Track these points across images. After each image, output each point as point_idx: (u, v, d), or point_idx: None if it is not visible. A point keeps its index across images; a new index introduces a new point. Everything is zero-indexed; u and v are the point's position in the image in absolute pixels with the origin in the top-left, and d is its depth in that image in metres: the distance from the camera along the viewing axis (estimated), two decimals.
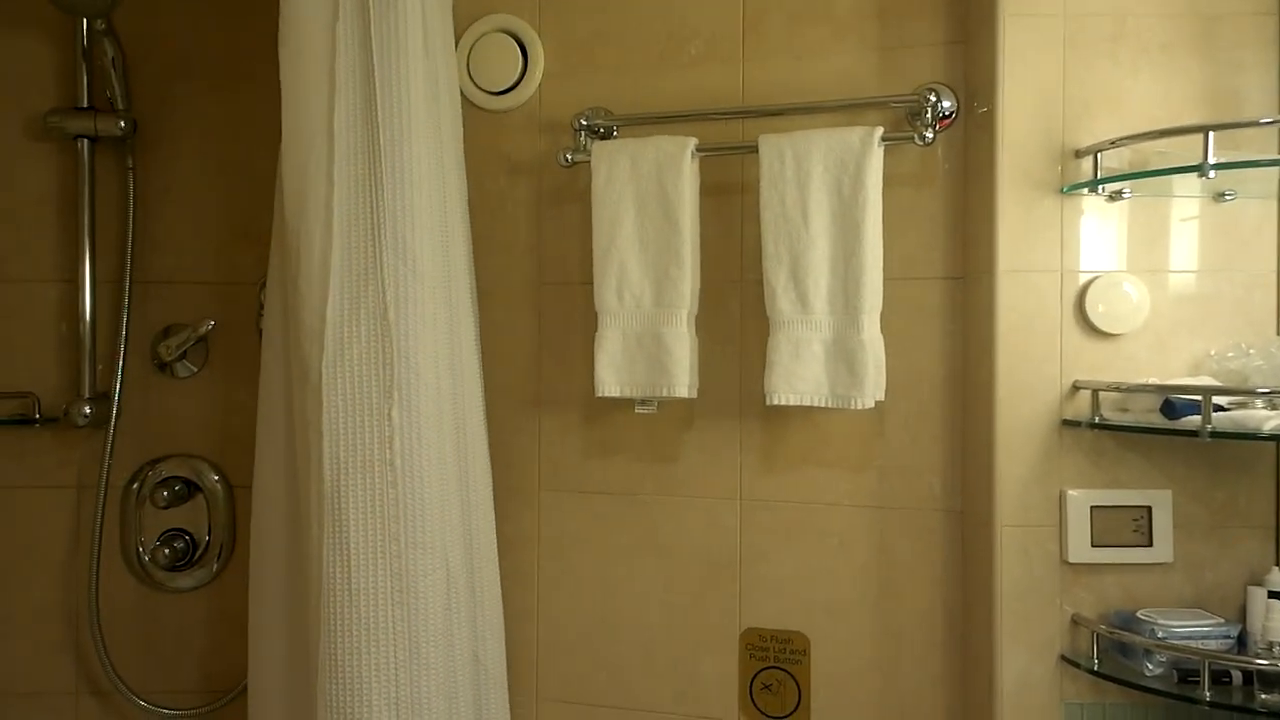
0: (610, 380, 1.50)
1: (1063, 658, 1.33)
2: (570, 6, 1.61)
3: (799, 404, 1.40)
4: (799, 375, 1.39)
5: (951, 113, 1.44)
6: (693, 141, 1.47)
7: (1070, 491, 1.32)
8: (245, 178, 1.72)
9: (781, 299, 1.40)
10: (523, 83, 1.63)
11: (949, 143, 1.45)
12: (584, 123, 1.57)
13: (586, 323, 1.60)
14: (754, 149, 1.44)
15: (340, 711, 1.22)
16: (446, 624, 1.32)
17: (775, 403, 1.40)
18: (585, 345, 1.60)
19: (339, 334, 1.29)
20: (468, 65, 1.63)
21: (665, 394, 1.47)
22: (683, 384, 1.46)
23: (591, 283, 1.53)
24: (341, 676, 1.23)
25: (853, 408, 1.37)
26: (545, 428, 1.64)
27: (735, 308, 1.54)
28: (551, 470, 1.64)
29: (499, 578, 1.52)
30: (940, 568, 1.46)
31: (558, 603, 1.63)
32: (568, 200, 1.63)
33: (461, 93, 1.61)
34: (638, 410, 1.53)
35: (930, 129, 1.39)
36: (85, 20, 1.62)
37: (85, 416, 1.64)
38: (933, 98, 1.41)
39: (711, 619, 1.56)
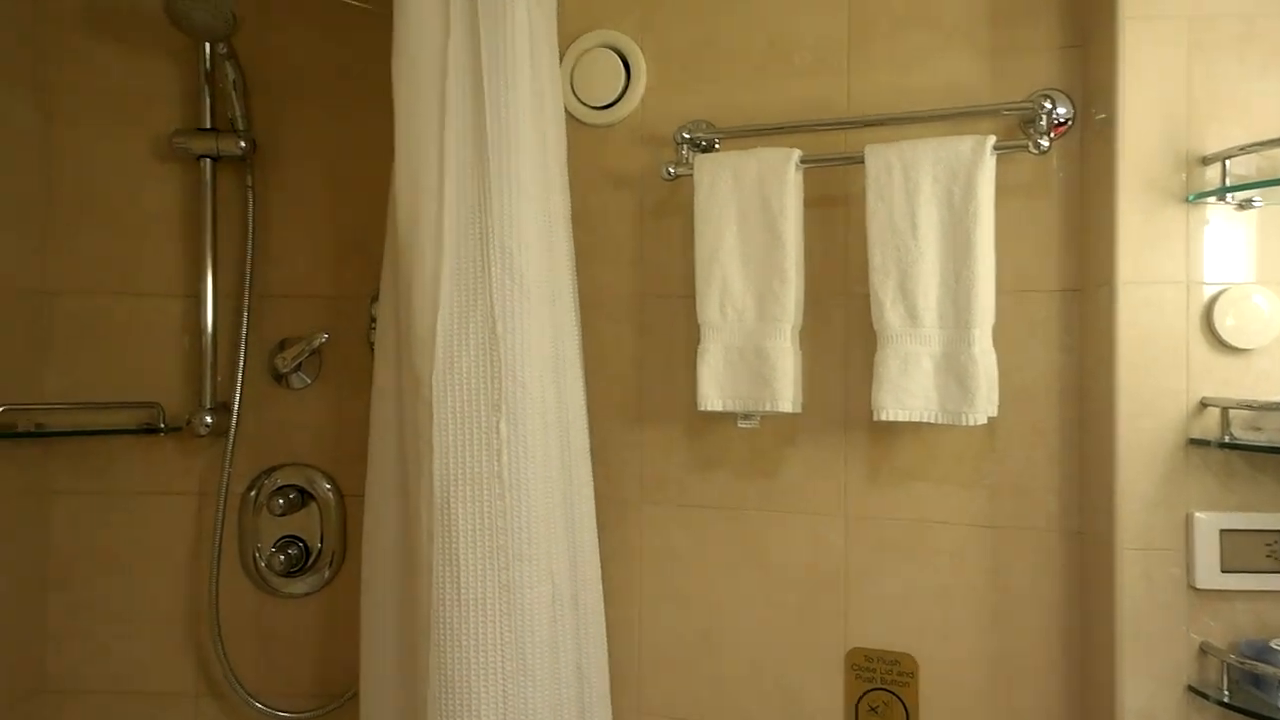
0: (713, 394, 1.50)
1: (1190, 688, 1.26)
2: (673, 21, 1.62)
3: (908, 420, 1.37)
4: (908, 390, 1.36)
5: (1067, 119, 1.40)
6: (796, 153, 1.45)
7: (1198, 514, 1.26)
8: (356, 193, 1.77)
9: (889, 312, 1.38)
10: (625, 97, 1.64)
11: (1064, 150, 1.40)
12: (686, 136, 1.57)
13: (688, 336, 1.60)
14: (860, 160, 1.42)
15: None
16: (552, 636, 1.33)
17: (883, 418, 1.37)
18: (687, 358, 1.59)
19: (449, 347, 1.31)
20: (571, 81, 1.65)
21: (768, 408, 1.45)
22: (786, 398, 1.44)
23: (693, 295, 1.53)
24: (451, 685, 1.25)
25: (964, 424, 1.34)
26: (646, 441, 1.64)
27: (839, 321, 1.52)
28: (653, 483, 1.64)
29: (602, 591, 1.52)
30: (1056, 590, 1.41)
31: (660, 617, 1.62)
32: (669, 213, 1.63)
33: (565, 108, 1.62)
34: (740, 425, 1.52)
35: (1045, 136, 1.34)
36: (208, 44, 1.69)
37: (207, 426, 1.71)
38: (1048, 104, 1.36)
39: (816, 637, 1.53)
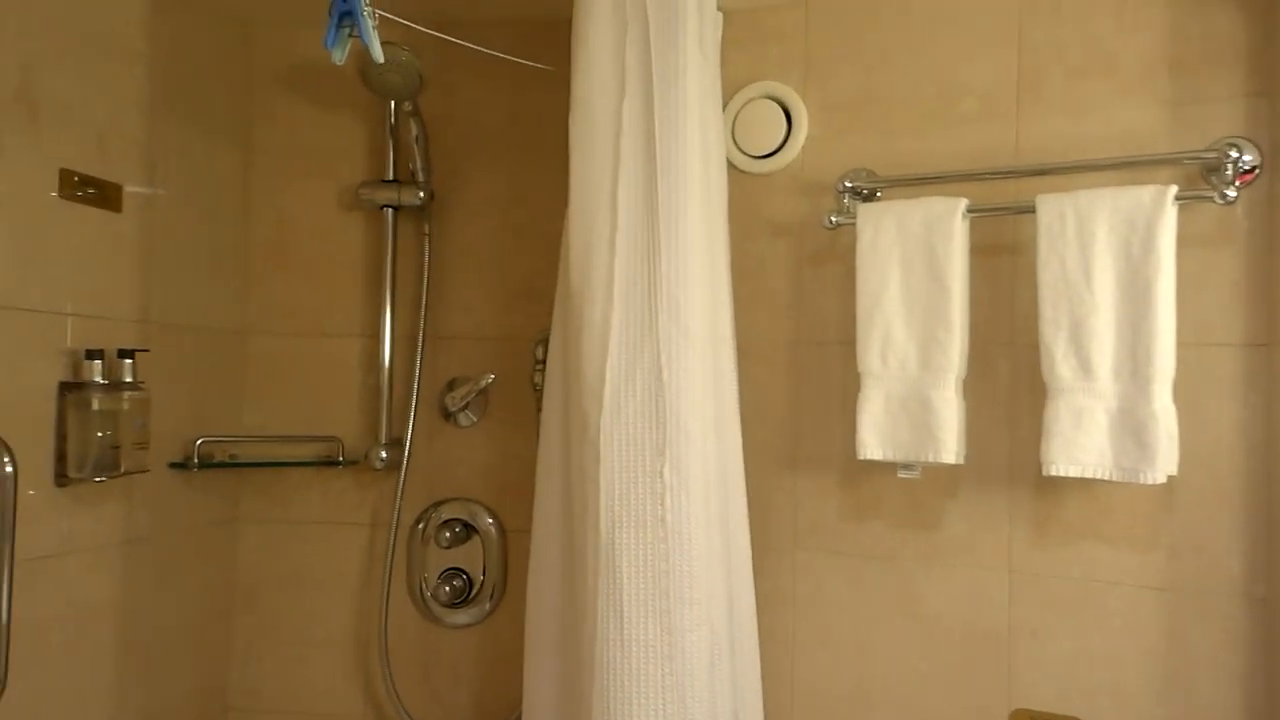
0: (872, 443, 1.49)
1: None
2: (836, 71, 1.63)
3: (1079, 475, 1.33)
4: (1080, 445, 1.33)
5: (1254, 168, 1.34)
6: (964, 202, 1.44)
7: None
8: (525, 242, 1.85)
9: (1061, 365, 1.35)
10: (786, 146, 1.67)
11: (1250, 200, 1.35)
12: (848, 185, 1.58)
13: (845, 383, 1.60)
14: (1029, 209, 1.40)
15: None
16: (710, 681, 1.34)
17: (1053, 473, 1.34)
18: (843, 406, 1.59)
19: (617, 392, 1.35)
20: (733, 130, 1.69)
21: (931, 459, 1.44)
22: (950, 450, 1.43)
23: (850, 343, 1.53)
24: None
25: (1142, 482, 1.29)
26: (800, 487, 1.65)
27: (1005, 372, 1.49)
28: (807, 530, 1.64)
29: (757, 637, 1.53)
30: (1239, 660, 1.34)
31: (813, 665, 1.61)
32: (828, 261, 1.64)
33: (726, 157, 1.66)
34: (900, 475, 1.50)
35: (1231, 186, 1.30)
36: (394, 102, 1.80)
37: (382, 460, 1.80)
38: (1234, 153, 1.32)
39: (976, 696, 1.49)
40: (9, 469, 1.25)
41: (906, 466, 1.49)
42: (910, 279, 1.47)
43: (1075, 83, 1.46)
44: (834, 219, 1.56)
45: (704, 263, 1.42)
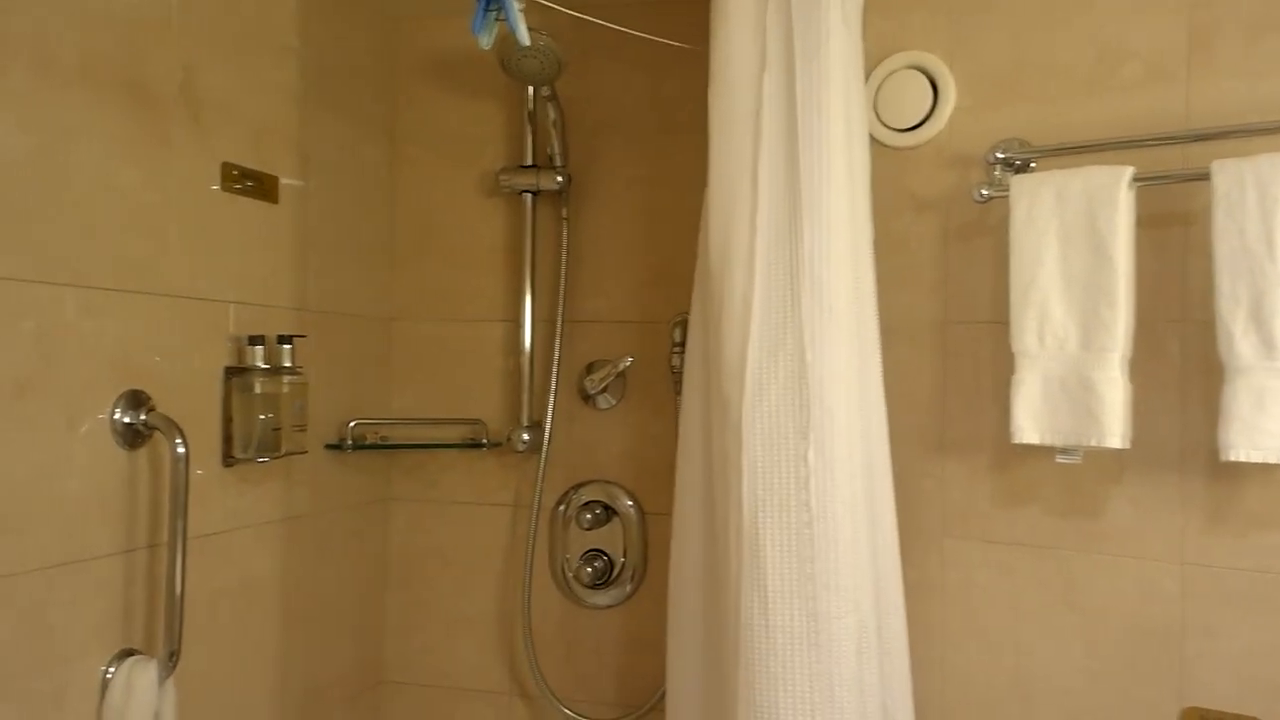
0: (1028, 427, 1.42)
1: None
2: (987, 37, 1.56)
3: (1263, 461, 1.23)
4: (1263, 429, 1.23)
5: None
6: (1129, 170, 1.35)
7: None
8: (663, 224, 1.85)
9: (1240, 342, 1.25)
10: (931, 118, 1.60)
11: None
12: (1000, 156, 1.50)
13: (997, 364, 1.53)
14: (1202, 177, 1.30)
15: None
16: (858, 669, 1.31)
17: (1233, 459, 1.25)
18: (995, 388, 1.53)
19: (758, 374, 1.33)
20: (875, 103, 1.63)
21: (1093, 443, 1.36)
22: (1114, 433, 1.35)
23: (1001, 322, 1.46)
24: (758, 712, 1.26)
25: None
26: (949, 472, 1.59)
27: (1174, 350, 1.40)
28: (957, 517, 1.58)
29: (905, 626, 1.48)
30: None
31: (964, 657, 1.56)
32: (977, 236, 1.57)
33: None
34: (1059, 460, 1.43)
35: None
36: (533, 88, 1.82)
37: (524, 443, 1.83)
38: None
39: (1143, 692, 1.41)
40: (181, 449, 1.32)
41: (1066, 451, 1.42)
42: (1070, 253, 1.39)
43: (1254, 41, 1.35)
44: (985, 192, 1.49)
45: (847, 240, 1.38)
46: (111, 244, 1.32)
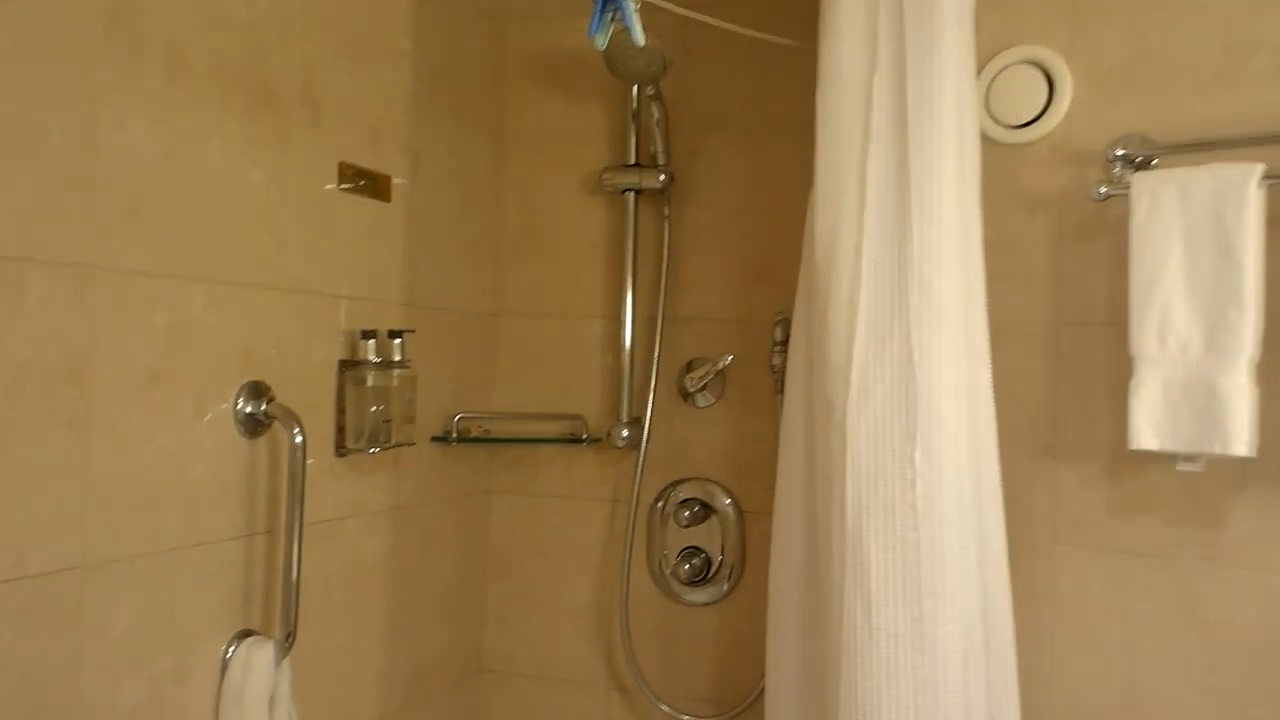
0: (1147, 432, 1.38)
1: None
2: (1107, 30, 1.51)
3: None
4: None
5: None
6: (1260, 167, 1.30)
7: None
8: (765, 222, 1.84)
9: None
10: (1047, 114, 1.56)
11: None
12: (1119, 153, 1.46)
13: (1113, 367, 1.48)
14: None
15: None
16: (964, 677, 1.28)
17: None
18: (1110, 392, 1.48)
19: (864, 374, 1.31)
20: (987, 99, 1.60)
21: (1217, 450, 1.31)
22: (1240, 440, 1.29)
23: (1118, 324, 1.42)
24: (860, 714, 1.25)
25: None
26: (1060, 479, 1.55)
27: None
28: (1068, 524, 1.54)
29: (1013, 634, 1.45)
30: None
31: (1073, 669, 1.51)
32: (1094, 236, 1.53)
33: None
34: (1180, 467, 1.38)
35: None
36: (637, 87, 1.83)
37: (623, 439, 1.85)
38: None
39: (1266, 712, 1.35)
40: (299, 439, 1.37)
41: (1188, 458, 1.36)
42: (1194, 254, 1.34)
43: None
44: (1103, 190, 1.44)
45: (957, 240, 1.35)
46: (235, 240, 1.37)
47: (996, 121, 1.60)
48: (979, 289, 1.45)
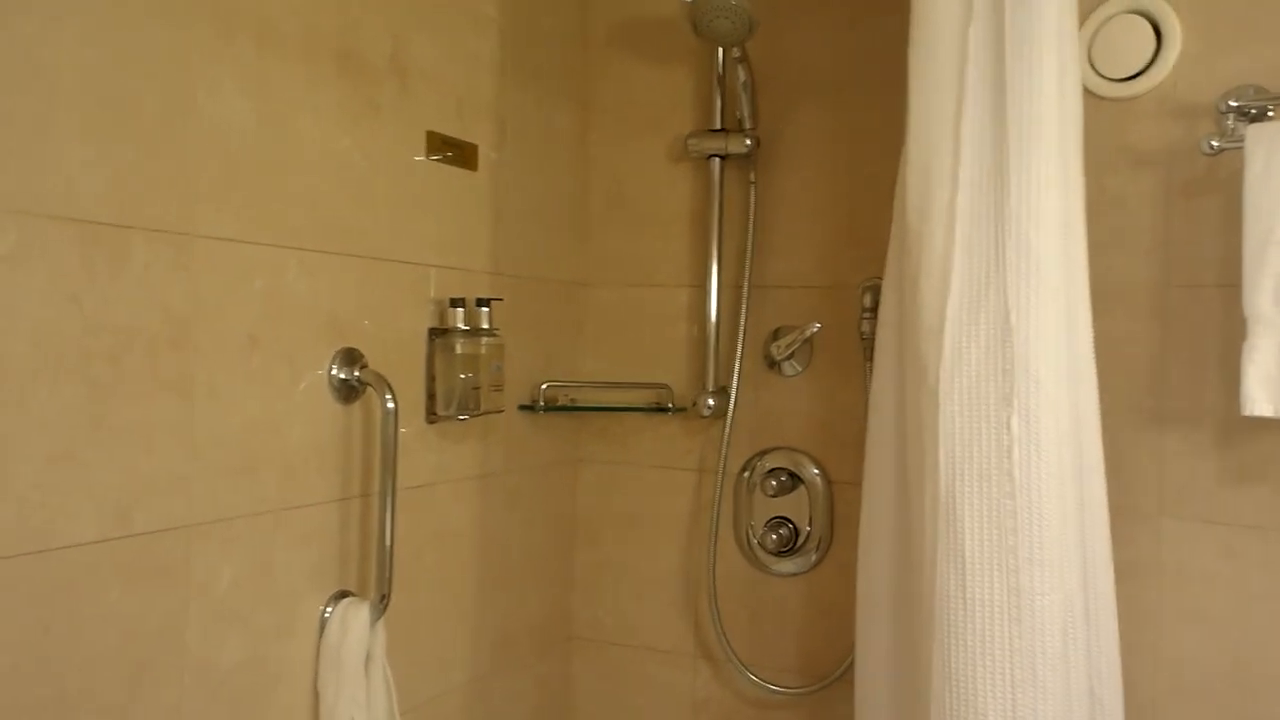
0: (1260, 398, 1.31)
1: None
2: None
3: None
4: None
5: None
6: None
7: None
8: (854, 186, 1.79)
9: None
10: (1154, 66, 1.50)
11: None
12: (1232, 104, 1.39)
13: (1224, 331, 1.42)
14: None
15: None
16: (1063, 648, 1.24)
17: None
18: (1220, 357, 1.42)
19: (958, 337, 1.27)
20: (1089, 51, 1.53)
21: None
22: None
23: (1231, 285, 1.36)
24: (955, 686, 1.22)
25: None
26: (1167, 447, 1.49)
27: None
28: (1174, 494, 1.48)
29: (1115, 606, 1.40)
30: None
31: (1180, 642, 1.46)
32: (1204, 193, 1.46)
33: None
34: None
35: None
36: (723, 50, 1.80)
37: (709, 408, 1.83)
38: None
39: None
40: (391, 405, 1.39)
41: None
42: None
43: None
44: (1215, 143, 1.38)
45: (1057, 197, 1.30)
46: (327, 209, 1.40)
47: (1100, 75, 1.54)
48: (1080, 249, 1.40)
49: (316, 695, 1.38)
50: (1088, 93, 1.51)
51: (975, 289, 1.28)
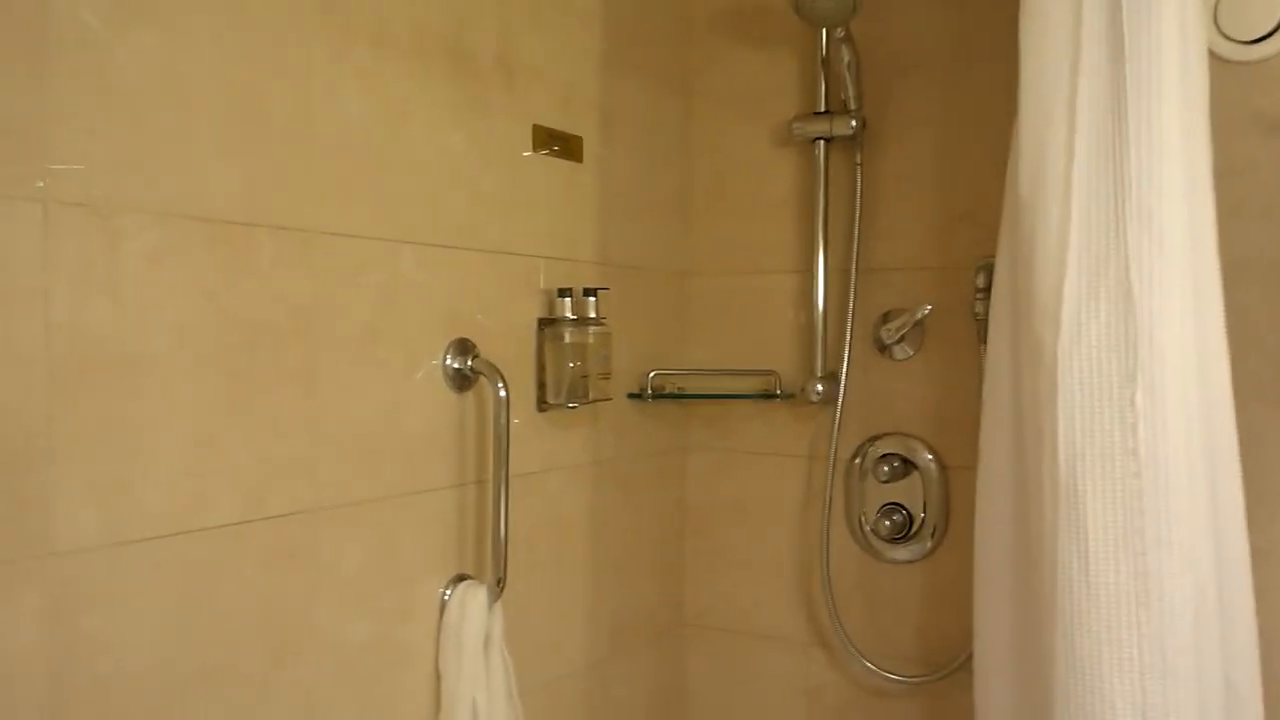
0: None
1: None
2: None
3: None
4: None
5: None
6: None
7: None
8: (964, 163, 1.75)
9: None
10: None
11: None
12: None
13: None
14: None
15: (1081, 709, 1.17)
16: (1194, 635, 1.19)
17: None
18: None
19: (1076, 313, 1.23)
20: (1215, 13, 1.46)
21: None
22: None
23: None
24: (1080, 674, 1.18)
25: None
26: None
27: None
28: None
29: (1252, 594, 1.33)
30: None
31: None
32: None
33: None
34: None
35: None
36: (826, 30, 1.78)
37: (817, 394, 1.82)
38: None
39: None
40: (503, 393, 1.43)
41: None
42: None
43: None
44: None
45: (1181, 165, 1.25)
46: (439, 203, 1.44)
47: (1226, 37, 1.47)
48: (1208, 220, 1.34)
49: (438, 675, 1.43)
50: (1213, 56, 1.44)
51: (1094, 261, 1.23)
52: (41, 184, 0.99)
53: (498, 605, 1.44)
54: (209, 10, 1.14)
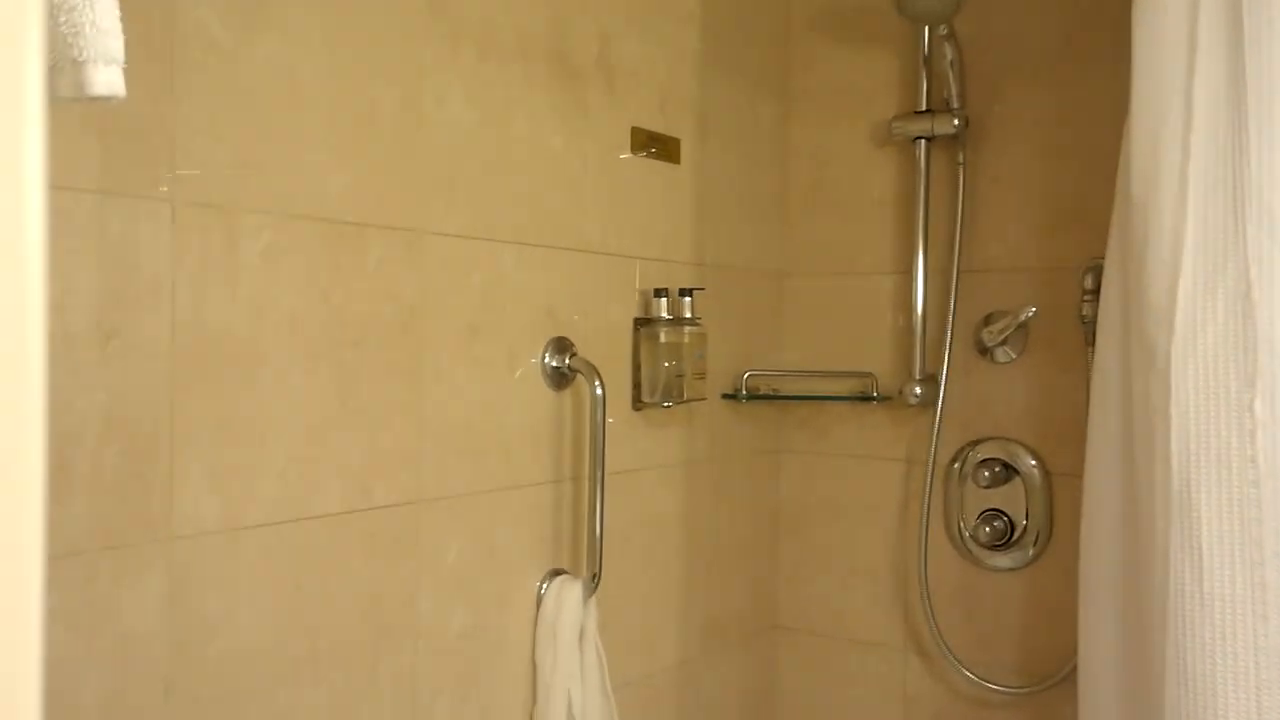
0: None
1: None
2: None
3: None
4: None
5: None
6: None
7: None
8: (1071, 162, 1.71)
9: None
10: None
11: None
12: None
13: None
14: None
15: None
16: None
17: None
18: None
19: (1191, 315, 1.19)
20: None
21: None
22: None
23: None
24: (1192, 688, 1.14)
25: None
26: None
27: None
28: None
29: None
30: None
31: None
32: None
33: None
34: None
35: None
36: (928, 28, 1.76)
37: (916, 396, 1.79)
38: None
39: None
40: (599, 391, 1.45)
41: None
42: None
43: None
44: None
45: None
46: (540, 204, 1.47)
47: None
48: None
49: (534, 666, 1.45)
50: None
51: (1211, 262, 1.19)
52: (168, 186, 1.05)
53: (592, 600, 1.46)
54: (323, 17, 1.18)
